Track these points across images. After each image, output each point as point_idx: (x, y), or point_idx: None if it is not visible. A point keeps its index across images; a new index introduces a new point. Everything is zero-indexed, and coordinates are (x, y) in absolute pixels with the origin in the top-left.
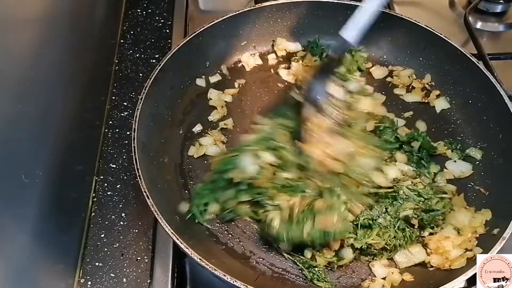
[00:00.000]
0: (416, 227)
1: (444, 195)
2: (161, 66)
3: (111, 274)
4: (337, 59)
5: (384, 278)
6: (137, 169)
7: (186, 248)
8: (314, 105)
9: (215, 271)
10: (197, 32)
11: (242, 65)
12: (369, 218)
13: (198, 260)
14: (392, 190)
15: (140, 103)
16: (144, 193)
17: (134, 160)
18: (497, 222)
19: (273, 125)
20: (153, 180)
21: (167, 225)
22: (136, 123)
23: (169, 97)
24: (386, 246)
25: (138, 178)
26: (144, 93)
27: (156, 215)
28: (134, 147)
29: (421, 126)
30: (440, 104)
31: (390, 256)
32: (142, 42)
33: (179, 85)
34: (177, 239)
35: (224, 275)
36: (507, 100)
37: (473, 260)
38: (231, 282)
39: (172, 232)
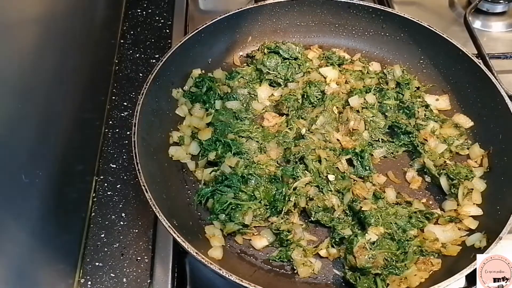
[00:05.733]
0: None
1: None
2: (163, 62)
3: (111, 274)
4: None
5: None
6: (137, 163)
7: (183, 242)
8: None
9: (211, 265)
10: (200, 29)
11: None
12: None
13: (194, 254)
14: None
15: (141, 98)
16: (142, 187)
17: (133, 154)
18: (495, 221)
19: None
20: (153, 175)
21: (165, 219)
22: (137, 118)
23: (170, 92)
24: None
25: (137, 172)
26: (145, 88)
27: (154, 209)
28: (134, 141)
29: None
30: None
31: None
32: (142, 42)
33: (180, 81)
34: (174, 232)
35: (220, 269)
36: (507, 100)
37: (472, 258)
38: (226, 276)
39: (169, 226)
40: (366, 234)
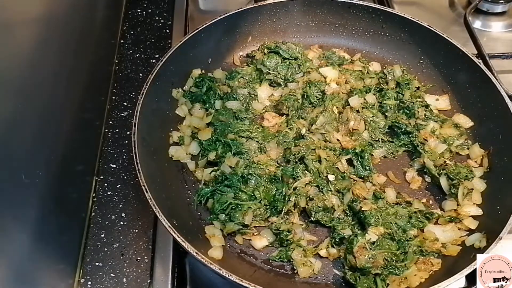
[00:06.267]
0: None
1: None
2: (163, 62)
3: (111, 274)
4: None
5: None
6: (137, 163)
7: (183, 242)
8: None
9: (211, 265)
10: (200, 29)
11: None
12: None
13: (194, 254)
14: None
15: (141, 98)
16: (142, 187)
17: (133, 154)
18: (495, 221)
19: None
20: (153, 175)
21: (165, 219)
22: (137, 118)
23: (170, 92)
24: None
25: (137, 172)
26: (145, 88)
27: (154, 209)
28: (134, 141)
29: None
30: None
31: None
32: (142, 42)
33: (180, 81)
34: (174, 232)
35: (220, 269)
36: (507, 100)
37: (472, 258)
38: (226, 276)
39: (169, 226)
40: (366, 234)
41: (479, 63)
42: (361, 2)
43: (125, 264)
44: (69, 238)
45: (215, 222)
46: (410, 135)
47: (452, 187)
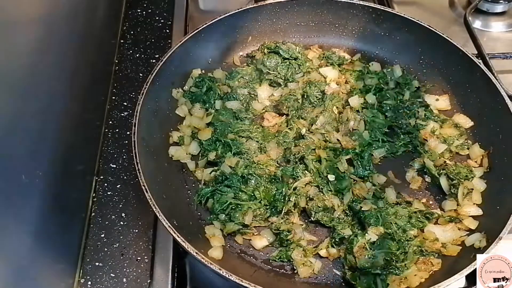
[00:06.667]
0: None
1: None
2: (163, 62)
3: (111, 274)
4: None
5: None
6: (137, 163)
7: (183, 242)
8: None
9: (211, 265)
10: (200, 29)
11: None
12: None
13: (194, 254)
14: None
15: (141, 98)
16: (142, 187)
17: (133, 154)
18: (495, 221)
19: None
20: (153, 175)
21: (165, 219)
22: (137, 118)
23: (170, 92)
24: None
25: (137, 172)
26: (145, 88)
27: (154, 209)
28: (134, 141)
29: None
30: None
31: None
32: (142, 42)
33: (180, 81)
34: (174, 232)
35: (220, 269)
36: (507, 100)
37: (472, 258)
38: (226, 276)
39: (169, 226)
40: (366, 234)
41: (479, 63)
42: (361, 2)
43: (125, 264)
44: (69, 238)
45: (215, 222)
46: (410, 135)
47: (452, 187)
